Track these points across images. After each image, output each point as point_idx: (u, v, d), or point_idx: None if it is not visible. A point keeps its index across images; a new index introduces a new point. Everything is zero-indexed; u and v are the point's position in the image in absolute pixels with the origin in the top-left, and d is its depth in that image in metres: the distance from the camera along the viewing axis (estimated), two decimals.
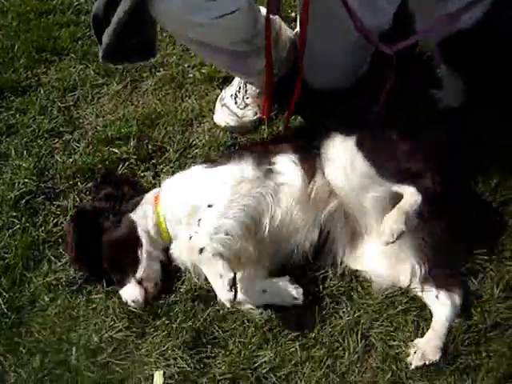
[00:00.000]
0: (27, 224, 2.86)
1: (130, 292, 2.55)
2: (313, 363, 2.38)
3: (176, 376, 2.39)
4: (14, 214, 2.89)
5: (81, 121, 3.31)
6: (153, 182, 2.96)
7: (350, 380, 2.34)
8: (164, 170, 2.99)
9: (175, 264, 2.62)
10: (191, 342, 2.46)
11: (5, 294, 2.66)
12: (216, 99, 3.25)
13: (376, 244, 2.51)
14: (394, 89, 2.70)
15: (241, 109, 3.13)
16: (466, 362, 2.32)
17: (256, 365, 2.39)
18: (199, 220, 2.49)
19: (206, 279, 2.52)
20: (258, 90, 3.12)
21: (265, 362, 2.39)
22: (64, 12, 3.86)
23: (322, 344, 2.42)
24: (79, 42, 3.68)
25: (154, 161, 3.06)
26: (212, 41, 2.72)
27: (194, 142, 3.09)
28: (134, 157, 3.05)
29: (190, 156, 3.05)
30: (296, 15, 3.34)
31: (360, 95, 3.01)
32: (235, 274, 2.35)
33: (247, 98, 3.15)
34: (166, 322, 2.51)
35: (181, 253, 2.58)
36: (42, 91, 3.44)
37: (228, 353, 2.43)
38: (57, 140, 3.22)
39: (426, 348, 2.33)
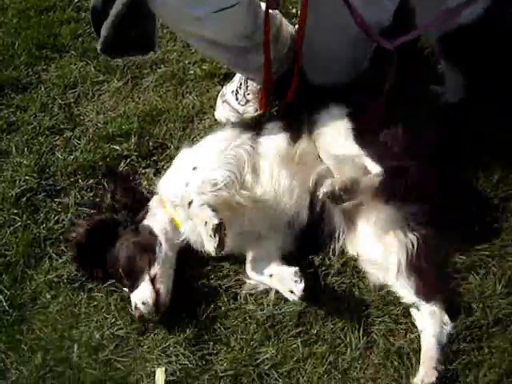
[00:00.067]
0: (28, 221, 2.86)
1: (141, 293, 2.49)
2: (315, 360, 2.38)
3: (178, 373, 2.39)
4: (15, 211, 2.89)
5: (81, 118, 3.31)
6: (154, 178, 2.96)
7: (352, 376, 2.34)
8: (165, 167, 2.99)
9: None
10: (193, 339, 2.46)
11: (6, 291, 2.66)
12: (217, 96, 3.25)
13: (369, 225, 2.56)
14: (393, 87, 2.70)
15: (242, 105, 3.14)
16: (469, 358, 2.31)
17: (258, 361, 2.39)
18: (187, 184, 2.55)
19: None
20: (258, 86, 3.11)
21: (267, 358, 2.39)
22: (64, 9, 3.87)
23: (324, 340, 2.42)
24: (80, 39, 3.68)
25: (154, 157, 3.06)
26: (212, 35, 2.71)
27: (195, 139, 3.08)
28: (135, 154, 3.06)
29: None
30: (297, 11, 3.33)
31: (360, 91, 3.00)
32: (222, 222, 2.34)
33: (248, 94, 3.15)
34: (168, 318, 2.51)
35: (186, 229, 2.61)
36: (42, 88, 3.45)
37: (230, 349, 2.43)
38: (58, 137, 3.23)
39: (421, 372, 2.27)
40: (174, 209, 2.63)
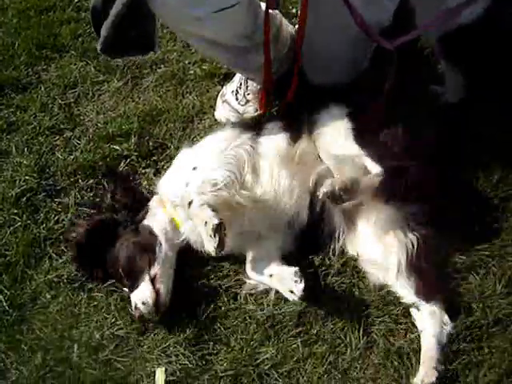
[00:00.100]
0: (28, 221, 2.86)
1: (141, 293, 2.49)
2: (315, 360, 2.38)
3: (178, 373, 2.39)
4: (15, 211, 2.89)
5: (81, 118, 3.31)
6: (154, 178, 2.96)
7: (352, 376, 2.34)
8: (165, 167, 2.99)
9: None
10: (193, 339, 2.46)
11: (6, 291, 2.66)
12: (217, 96, 3.25)
13: (369, 224, 2.56)
14: (393, 87, 2.70)
15: (242, 105, 3.14)
16: (469, 358, 2.31)
17: (258, 361, 2.39)
18: (187, 184, 2.55)
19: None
20: (258, 86, 3.11)
21: (267, 358, 2.39)
22: (64, 9, 3.88)
23: (324, 340, 2.42)
24: (80, 39, 3.68)
25: (155, 157, 3.06)
26: (212, 35, 2.71)
27: (195, 139, 3.08)
28: (135, 154, 3.06)
29: None
30: (297, 11, 3.33)
31: (360, 91, 3.00)
32: (222, 222, 2.34)
33: (248, 94, 3.15)
34: (168, 318, 2.51)
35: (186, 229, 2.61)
36: (42, 88, 3.45)
37: (230, 349, 2.43)
38: (58, 137, 3.23)
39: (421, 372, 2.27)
40: (174, 209, 2.63)
